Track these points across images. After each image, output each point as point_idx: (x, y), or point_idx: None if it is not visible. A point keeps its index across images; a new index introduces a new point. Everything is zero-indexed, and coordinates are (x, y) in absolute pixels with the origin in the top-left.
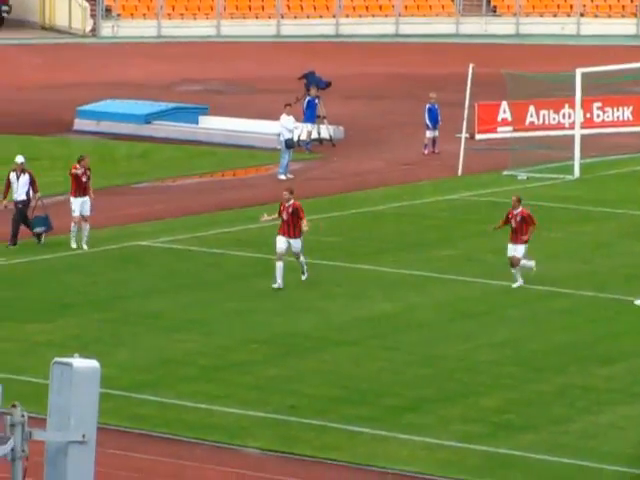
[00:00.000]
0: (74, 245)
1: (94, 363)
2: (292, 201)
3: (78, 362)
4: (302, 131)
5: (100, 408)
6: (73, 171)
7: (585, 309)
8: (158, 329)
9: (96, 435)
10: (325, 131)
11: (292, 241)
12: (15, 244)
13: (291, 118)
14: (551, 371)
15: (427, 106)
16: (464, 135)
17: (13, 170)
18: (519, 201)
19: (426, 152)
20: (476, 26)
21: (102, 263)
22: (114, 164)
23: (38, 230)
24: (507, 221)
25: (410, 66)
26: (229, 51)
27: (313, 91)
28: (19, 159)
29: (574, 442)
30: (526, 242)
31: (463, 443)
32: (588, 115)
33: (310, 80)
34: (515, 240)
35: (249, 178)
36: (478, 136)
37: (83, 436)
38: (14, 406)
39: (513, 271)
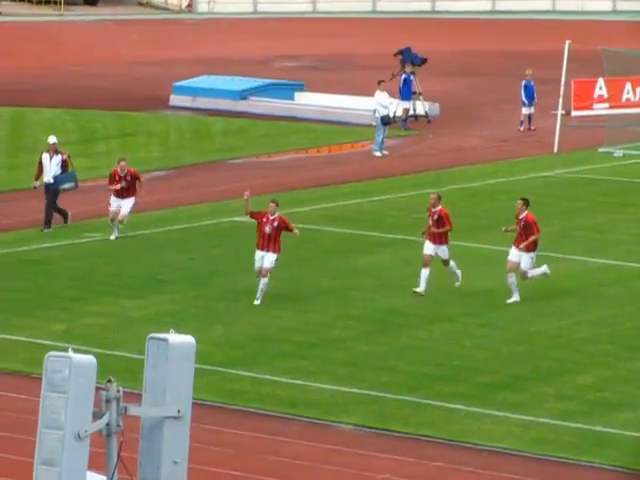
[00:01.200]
0: (113, 237)
1: (190, 339)
2: (277, 214)
3: (174, 337)
4: (397, 108)
5: (195, 384)
6: (113, 175)
7: None
8: (253, 305)
9: (191, 411)
10: (421, 107)
11: (268, 255)
12: (49, 227)
13: (385, 94)
14: None
15: (523, 83)
16: (560, 112)
17: (46, 151)
18: (439, 199)
19: (522, 129)
20: (572, 2)
21: (199, 239)
22: (210, 140)
23: (66, 186)
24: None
25: (506, 43)
26: (325, 27)
27: (408, 68)
28: (51, 139)
29: None
30: (447, 243)
31: (558, 420)
32: None
33: (406, 56)
34: (434, 240)
35: (344, 154)
36: (574, 113)
37: (178, 411)
38: (109, 381)
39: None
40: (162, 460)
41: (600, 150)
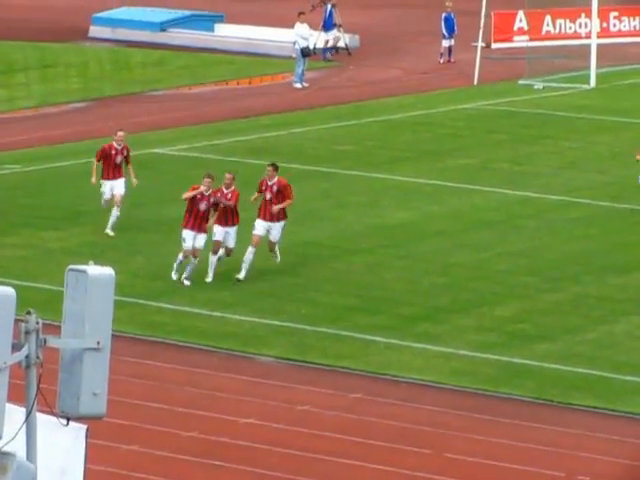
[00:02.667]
0: (111, 233)
1: (109, 270)
2: (212, 190)
3: (93, 269)
4: (318, 39)
5: (115, 315)
6: (106, 150)
7: (601, 219)
8: (174, 237)
9: (111, 342)
10: (341, 39)
11: (200, 236)
12: None
13: (305, 26)
14: (566, 281)
15: (443, 15)
16: (480, 44)
17: None
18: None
19: (442, 61)
20: None
21: None
22: (129, 71)
23: None
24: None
25: None
26: None
27: None
28: None
29: (589, 352)
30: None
31: (477, 352)
32: (604, 24)
33: None
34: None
35: (265, 86)
36: (494, 45)
37: (98, 343)
38: (29, 313)
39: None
40: (81, 392)
41: (520, 82)
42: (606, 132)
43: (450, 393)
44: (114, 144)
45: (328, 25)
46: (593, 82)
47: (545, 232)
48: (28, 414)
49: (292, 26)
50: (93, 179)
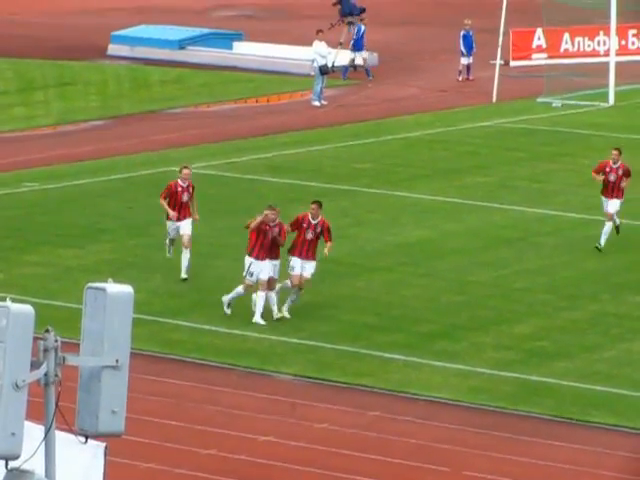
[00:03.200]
0: (185, 276)
1: (128, 288)
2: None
3: (112, 287)
4: (336, 57)
5: (133, 333)
6: (172, 188)
7: (619, 237)
8: (192, 254)
9: (129, 360)
10: (360, 58)
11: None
12: None
13: (324, 44)
14: (585, 298)
15: (462, 33)
16: (499, 62)
17: None
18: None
19: (460, 79)
20: None
21: (137, 188)
22: (148, 89)
23: None
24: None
25: None
26: None
27: (365, 20)
28: None
29: (608, 369)
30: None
31: (496, 370)
32: (623, 42)
33: (344, 6)
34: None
35: (283, 104)
36: (512, 63)
37: (116, 361)
38: (47, 331)
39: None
40: (100, 409)
41: (538, 100)
42: (625, 150)
43: (468, 411)
44: (179, 182)
45: (359, 45)
46: (612, 100)
47: (563, 250)
48: (47, 432)
49: (310, 44)
50: (171, 213)
